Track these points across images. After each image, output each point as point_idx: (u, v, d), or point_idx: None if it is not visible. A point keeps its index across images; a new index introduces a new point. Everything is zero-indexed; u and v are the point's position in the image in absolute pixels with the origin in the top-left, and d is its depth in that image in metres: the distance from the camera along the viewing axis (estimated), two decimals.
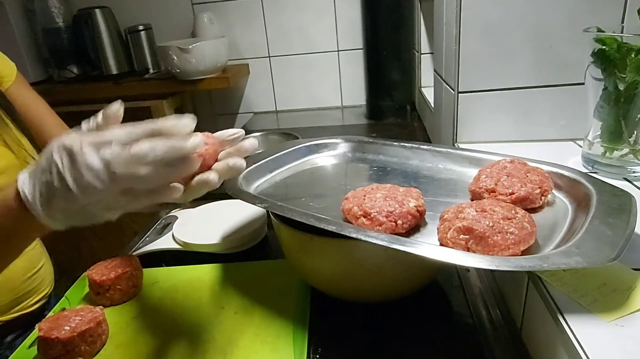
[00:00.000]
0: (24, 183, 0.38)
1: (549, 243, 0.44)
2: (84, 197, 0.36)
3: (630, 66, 0.55)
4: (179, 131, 0.37)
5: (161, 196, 0.38)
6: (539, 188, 0.51)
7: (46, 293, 0.77)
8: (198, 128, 0.44)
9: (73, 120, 0.81)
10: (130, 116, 0.77)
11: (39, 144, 0.72)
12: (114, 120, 0.38)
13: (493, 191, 0.51)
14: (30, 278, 0.72)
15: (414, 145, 0.68)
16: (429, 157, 0.66)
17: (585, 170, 0.64)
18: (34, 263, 0.74)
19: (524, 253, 0.42)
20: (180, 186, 0.39)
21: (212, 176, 0.41)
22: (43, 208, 0.37)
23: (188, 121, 0.38)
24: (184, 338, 0.54)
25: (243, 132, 0.45)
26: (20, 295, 0.71)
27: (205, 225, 0.76)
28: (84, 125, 0.39)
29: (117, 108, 0.38)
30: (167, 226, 0.80)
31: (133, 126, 0.37)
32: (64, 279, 0.81)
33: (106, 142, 0.36)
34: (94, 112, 0.78)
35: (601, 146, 0.63)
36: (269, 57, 1.68)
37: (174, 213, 0.86)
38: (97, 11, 1.55)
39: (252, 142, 0.44)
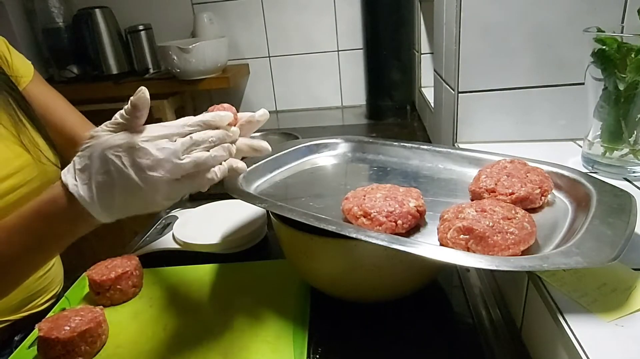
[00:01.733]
0: (78, 187, 0.41)
1: (549, 243, 0.44)
2: (148, 189, 0.40)
3: (630, 66, 0.55)
4: (222, 122, 0.45)
5: (203, 180, 0.43)
6: (539, 188, 0.51)
7: (55, 293, 0.77)
8: None
9: None
10: None
11: (60, 142, 0.72)
12: (143, 106, 0.41)
13: (493, 191, 0.51)
14: (42, 276, 0.72)
15: (414, 145, 0.68)
16: (429, 157, 0.66)
17: (585, 170, 0.64)
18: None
19: (524, 253, 0.42)
20: (217, 171, 0.44)
21: (240, 164, 0.47)
22: (103, 208, 0.41)
23: (228, 113, 0.46)
24: (184, 338, 0.54)
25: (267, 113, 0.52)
26: (32, 294, 0.71)
27: (205, 225, 0.76)
28: (111, 122, 0.42)
29: (145, 95, 0.42)
30: (167, 226, 0.80)
31: (184, 120, 0.43)
32: (64, 279, 0.81)
33: (162, 136, 0.41)
34: (94, 112, 0.78)
35: (601, 146, 0.63)
36: (269, 57, 1.68)
37: (174, 213, 0.86)
38: (97, 11, 1.55)
39: (262, 112, 0.50)
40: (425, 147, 0.67)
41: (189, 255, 0.71)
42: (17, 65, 0.70)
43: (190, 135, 0.42)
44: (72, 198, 0.40)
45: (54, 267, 0.77)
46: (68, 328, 0.51)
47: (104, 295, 0.61)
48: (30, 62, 0.74)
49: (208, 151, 0.43)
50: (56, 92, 0.76)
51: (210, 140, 0.43)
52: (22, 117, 0.65)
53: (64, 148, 0.73)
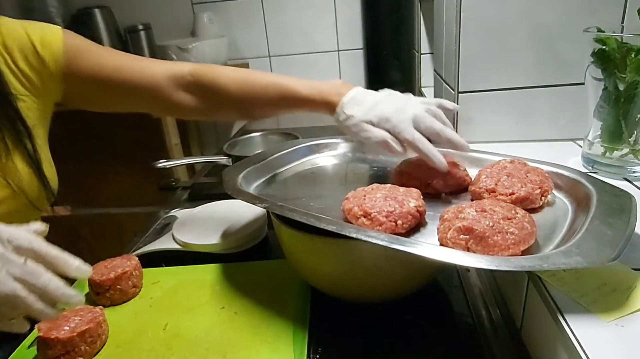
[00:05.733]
0: None
1: (549, 243, 0.44)
2: None
3: (630, 66, 0.56)
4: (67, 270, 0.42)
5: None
6: (539, 188, 0.51)
7: None
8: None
9: (72, 121, 0.81)
10: (131, 116, 0.77)
11: (120, 94, 0.65)
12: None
13: (493, 191, 0.51)
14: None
15: None
16: None
17: (585, 170, 0.64)
18: None
19: (524, 253, 0.42)
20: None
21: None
22: None
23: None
24: (184, 338, 0.54)
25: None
26: None
27: (205, 225, 0.76)
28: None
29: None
30: (167, 226, 0.80)
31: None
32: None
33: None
34: (93, 112, 0.75)
35: (601, 146, 0.63)
36: (269, 56, 1.68)
37: (173, 213, 0.86)
38: (97, 11, 1.55)
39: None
40: None
41: (189, 255, 0.71)
42: (47, 48, 0.61)
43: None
44: None
45: None
46: (68, 328, 0.50)
47: (104, 295, 0.61)
48: (57, 27, 0.63)
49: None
50: (102, 46, 0.67)
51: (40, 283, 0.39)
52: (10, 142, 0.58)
53: (139, 99, 0.67)
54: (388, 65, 1.41)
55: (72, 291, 0.41)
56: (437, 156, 0.54)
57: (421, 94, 1.32)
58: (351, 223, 0.49)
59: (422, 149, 0.54)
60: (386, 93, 0.59)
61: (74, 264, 0.42)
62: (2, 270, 0.38)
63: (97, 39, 1.56)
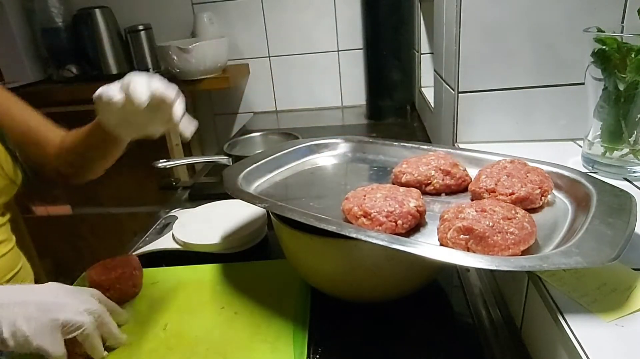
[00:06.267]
0: None
1: (549, 243, 0.44)
2: None
3: (630, 66, 0.56)
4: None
5: None
6: (539, 188, 0.51)
7: None
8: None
9: (71, 120, 0.81)
10: None
11: (23, 147, 0.74)
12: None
13: (493, 191, 0.51)
14: (7, 282, 0.70)
15: (414, 145, 0.68)
16: None
17: (585, 170, 0.64)
18: (10, 266, 0.71)
19: (524, 253, 0.42)
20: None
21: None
22: None
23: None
24: (184, 338, 0.54)
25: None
26: None
27: (205, 225, 0.76)
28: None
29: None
30: (167, 226, 0.79)
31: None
32: (63, 279, 0.81)
33: None
34: (93, 112, 0.77)
35: (601, 146, 0.63)
36: (269, 57, 1.68)
37: (173, 213, 0.86)
38: (97, 11, 1.55)
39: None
40: (425, 147, 0.67)
41: (189, 255, 0.71)
42: None
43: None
44: None
45: (22, 271, 0.74)
46: None
47: (104, 294, 0.60)
48: None
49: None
50: (12, 95, 0.77)
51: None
52: None
53: (27, 149, 0.76)
54: (388, 65, 1.40)
55: (123, 333, 0.54)
56: (139, 90, 0.60)
57: (421, 94, 1.32)
58: (351, 223, 0.49)
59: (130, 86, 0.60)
60: None
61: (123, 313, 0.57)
62: (82, 307, 0.50)
63: (97, 39, 1.56)
